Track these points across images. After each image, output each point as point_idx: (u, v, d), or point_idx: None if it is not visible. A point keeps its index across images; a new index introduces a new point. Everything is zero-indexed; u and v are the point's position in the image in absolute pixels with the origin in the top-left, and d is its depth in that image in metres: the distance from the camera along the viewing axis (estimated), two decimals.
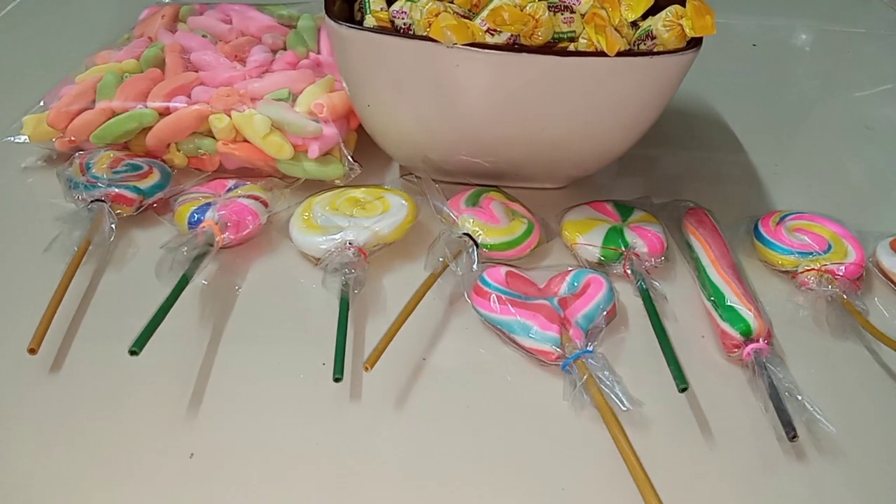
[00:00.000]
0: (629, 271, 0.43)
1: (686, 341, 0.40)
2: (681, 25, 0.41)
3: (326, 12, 0.40)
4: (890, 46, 0.80)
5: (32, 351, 0.35)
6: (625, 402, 0.34)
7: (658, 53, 0.40)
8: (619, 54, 0.38)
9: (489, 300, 0.39)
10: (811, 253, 0.44)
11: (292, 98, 0.49)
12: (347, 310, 0.38)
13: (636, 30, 0.43)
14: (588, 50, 0.40)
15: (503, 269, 0.41)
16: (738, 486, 0.33)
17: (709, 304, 0.41)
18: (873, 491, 0.33)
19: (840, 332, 0.41)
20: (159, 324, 0.35)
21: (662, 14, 0.41)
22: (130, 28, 0.59)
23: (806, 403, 0.35)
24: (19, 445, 0.33)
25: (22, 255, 0.43)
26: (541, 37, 0.41)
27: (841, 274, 0.42)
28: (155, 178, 0.46)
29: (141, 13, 0.61)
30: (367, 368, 0.35)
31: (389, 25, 0.42)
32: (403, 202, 0.45)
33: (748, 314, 0.39)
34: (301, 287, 0.43)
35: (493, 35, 0.40)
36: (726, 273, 0.42)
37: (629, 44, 0.42)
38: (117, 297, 0.41)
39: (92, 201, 0.44)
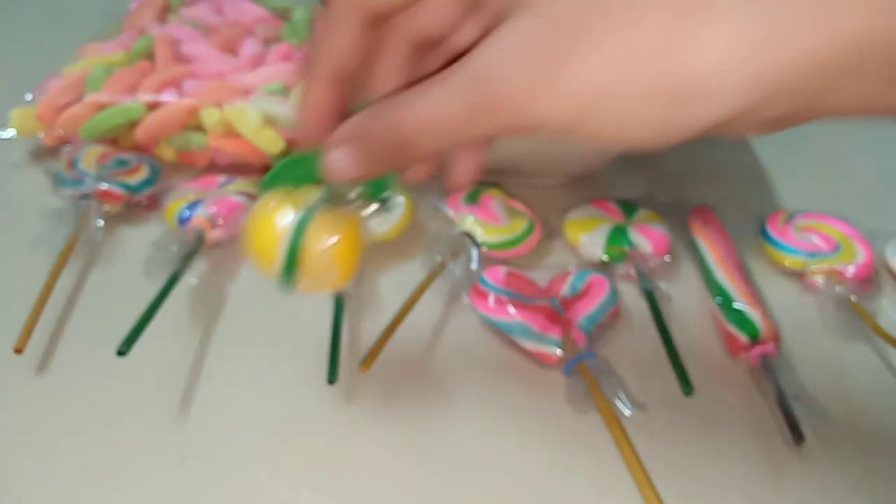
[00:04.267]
0: (633, 272, 0.42)
1: (691, 344, 0.39)
2: None
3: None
4: None
5: (18, 351, 0.34)
6: (628, 406, 0.34)
7: None
8: None
9: (488, 301, 0.38)
10: (819, 253, 0.43)
11: (286, 91, 0.48)
12: (342, 310, 0.37)
13: None
14: None
15: (503, 269, 0.40)
16: (744, 492, 0.32)
17: (715, 306, 0.40)
18: (881, 495, 0.33)
19: (848, 334, 0.40)
20: (148, 323, 0.34)
21: None
22: (120, 19, 0.58)
23: (813, 407, 0.34)
24: (4, 448, 0.32)
25: (7, 252, 0.42)
26: None
27: (850, 275, 0.42)
28: (144, 173, 0.45)
29: (131, 4, 0.60)
30: (362, 370, 0.34)
31: None
32: (400, 199, 0.44)
33: (756, 316, 0.38)
34: None
35: None
36: (733, 274, 0.41)
37: None
38: (105, 295, 0.40)
39: (79, 197, 0.43)
